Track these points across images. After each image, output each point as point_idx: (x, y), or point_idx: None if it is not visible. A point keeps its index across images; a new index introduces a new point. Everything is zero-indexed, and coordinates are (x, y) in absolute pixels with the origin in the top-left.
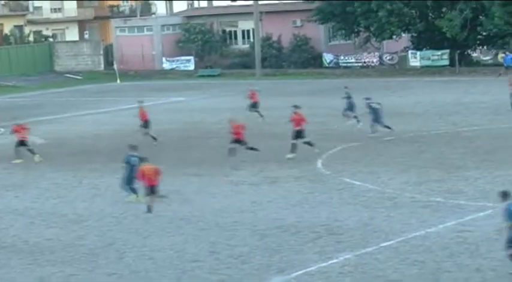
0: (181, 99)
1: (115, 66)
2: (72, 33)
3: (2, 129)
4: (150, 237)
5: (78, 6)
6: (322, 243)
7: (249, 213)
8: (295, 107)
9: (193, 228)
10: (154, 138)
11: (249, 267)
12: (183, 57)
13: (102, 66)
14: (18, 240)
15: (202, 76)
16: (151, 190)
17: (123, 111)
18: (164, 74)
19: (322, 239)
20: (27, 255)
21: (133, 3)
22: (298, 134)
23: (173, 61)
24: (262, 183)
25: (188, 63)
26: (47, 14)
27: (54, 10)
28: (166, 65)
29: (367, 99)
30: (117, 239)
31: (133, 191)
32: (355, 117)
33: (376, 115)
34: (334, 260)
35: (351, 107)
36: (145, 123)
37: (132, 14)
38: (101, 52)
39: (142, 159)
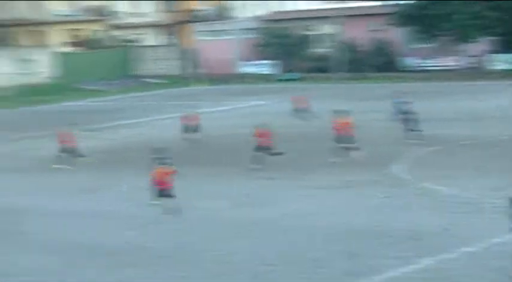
0: (261, 103)
1: (194, 70)
2: (152, 38)
3: (88, 133)
4: (223, 241)
5: (158, 11)
6: (401, 248)
7: (323, 217)
8: (340, 112)
9: (266, 232)
10: (193, 142)
11: (326, 272)
12: (262, 61)
13: (182, 70)
14: (96, 242)
15: (282, 80)
16: (164, 192)
17: (203, 115)
18: (243, 78)
19: (401, 243)
20: (104, 258)
21: (214, 5)
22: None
23: (253, 65)
24: (337, 187)
25: (268, 67)
26: (127, 18)
27: (135, 15)
28: (246, 69)
29: (404, 102)
30: (192, 242)
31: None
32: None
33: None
34: (415, 265)
35: (400, 113)
36: (194, 127)
37: (213, 18)
38: (181, 56)
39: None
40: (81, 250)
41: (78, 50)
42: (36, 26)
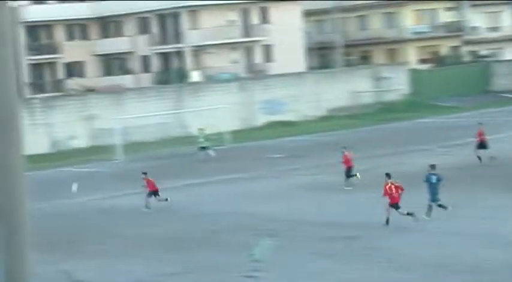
0: None
1: None
2: (510, 52)
3: (440, 150)
4: None
5: None
6: None
7: None
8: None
9: None
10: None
11: None
12: None
13: None
14: (455, 260)
15: None
16: (394, 206)
17: None
18: None
19: None
20: (464, 275)
21: None
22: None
23: None
24: None
25: None
26: (483, 33)
27: (491, 29)
28: None
29: None
30: None
31: (441, 206)
32: None
33: None
34: None
35: None
36: (481, 145)
37: None
38: None
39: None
40: (443, 268)
41: (431, 66)
42: (392, 44)
